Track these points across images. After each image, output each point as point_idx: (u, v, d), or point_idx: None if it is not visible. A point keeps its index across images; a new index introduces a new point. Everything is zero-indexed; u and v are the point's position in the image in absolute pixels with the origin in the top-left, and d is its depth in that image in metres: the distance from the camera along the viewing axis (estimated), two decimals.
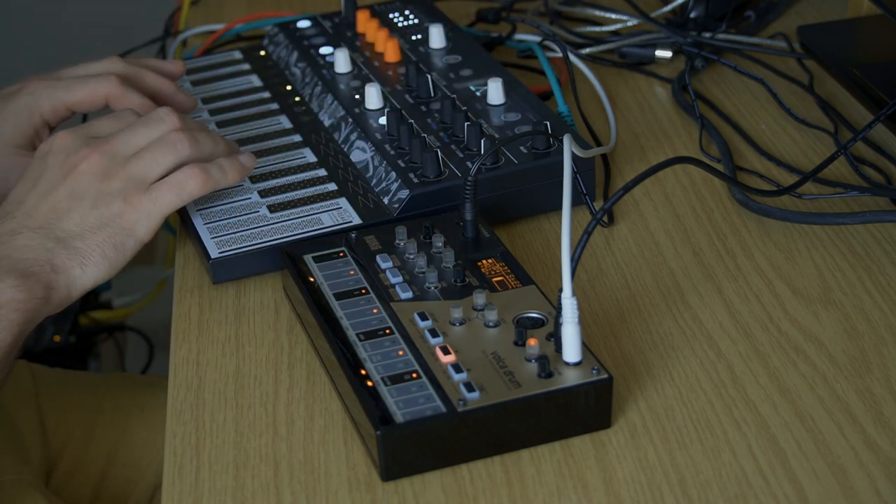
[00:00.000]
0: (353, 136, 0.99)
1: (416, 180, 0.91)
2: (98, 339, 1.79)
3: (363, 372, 0.75)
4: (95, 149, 0.86)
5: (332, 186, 0.95)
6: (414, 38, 1.14)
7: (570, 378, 0.72)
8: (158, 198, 0.86)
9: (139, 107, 0.96)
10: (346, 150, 0.99)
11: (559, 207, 0.78)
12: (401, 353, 0.76)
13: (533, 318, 0.78)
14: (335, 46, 1.13)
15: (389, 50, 1.10)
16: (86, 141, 0.87)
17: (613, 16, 1.21)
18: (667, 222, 0.94)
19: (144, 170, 0.86)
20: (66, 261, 0.83)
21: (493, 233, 0.86)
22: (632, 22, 1.20)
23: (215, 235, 0.90)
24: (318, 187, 0.95)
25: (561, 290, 0.72)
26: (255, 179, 0.97)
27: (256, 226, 0.91)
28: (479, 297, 0.79)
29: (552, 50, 1.15)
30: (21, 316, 0.80)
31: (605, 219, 0.95)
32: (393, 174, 0.93)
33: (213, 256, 0.89)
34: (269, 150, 1.00)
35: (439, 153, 0.93)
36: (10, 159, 0.96)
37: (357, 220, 0.91)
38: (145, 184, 0.86)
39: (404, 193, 0.91)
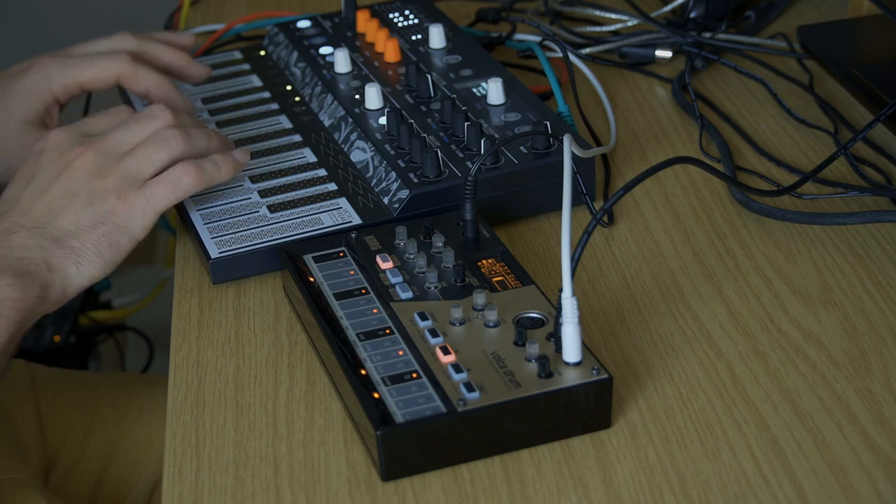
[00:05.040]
0: (353, 136, 0.99)
1: (416, 180, 0.91)
2: (98, 339, 1.79)
3: (363, 372, 0.75)
4: (89, 146, 0.86)
5: (332, 186, 0.95)
6: (414, 38, 1.14)
7: (570, 378, 0.72)
8: (152, 195, 0.86)
9: (153, 84, 0.97)
10: (346, 150, 0.99)
11: (559, 207, 0.78)
12: (401, 353, 0.76)
13: (533, 318, 0.78)
14: (335, 46, 1.13)
15: (389, 50, 1.10)
16: (79, 139, 0.87)
17: (613, 16, 1.21)
18: (667, 222, 0.94)
19: (138, 167, 0.86)
20: (61, 260, 0.83)
21: (493, 233, 0.86)
22: (632, 22, 1.20)
23: (215, 235, 0.90)
24: (318, 187, 0.95)
25: (561, 290, 0.72)
26: (255, 179, 0.97)
27: (256, 226, 0.91)
28: (479, 297, 0.79)
29: (552, 50, 1.15)
30: (17, 314, 0.80)
31: (605, 219, 0.95)
32: (393, 174, 0.93)
33: (213, 256, 0.89)
34: (269, 150, 1.01)
35: (439, 153, 0.93)
36: (22, 137, 0.96)
37: (357, 220, 0.91)
38: (139, 181, 0.86)
39: (404, 193, 0.91)
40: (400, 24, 1.17)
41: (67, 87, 0.97)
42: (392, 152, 0.95)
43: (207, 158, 0.89)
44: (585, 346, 0.74)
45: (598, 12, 1.22)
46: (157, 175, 0.87)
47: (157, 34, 1.05)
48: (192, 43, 1.06)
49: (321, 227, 0.90)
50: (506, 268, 0.83)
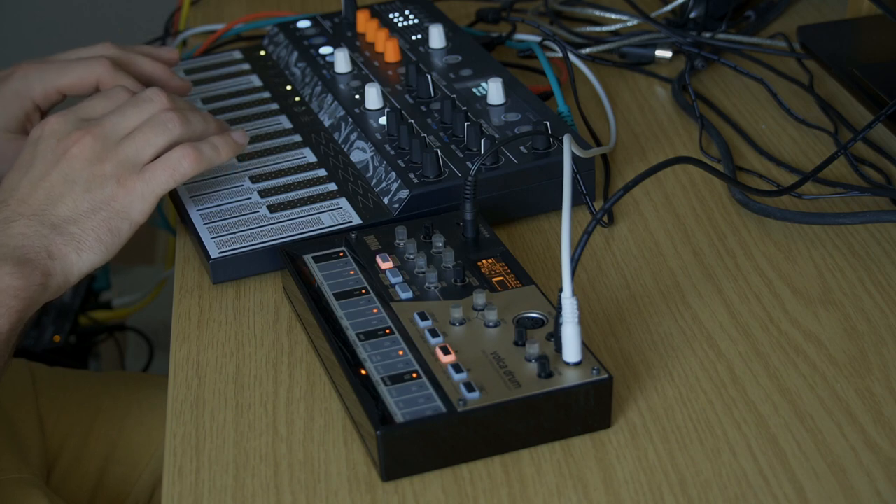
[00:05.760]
0: (353, 136, 0.99)
1: (416, 180, 0.91)
2: (98, 339, 1.79)
3: (363, 372, 0.75)
4: (87, 132, 0.86)
5: (332, 186, 0.95)
6: (414, 38, 1.14)
7: (570, 378, 0.72)
8: (152, 179, 0.85)
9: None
10: (346, 150, 0.99)
11: (559, 207, 0.78)
12: (401, 353, 0.76)
13: (533, 318, 0.78)
14: (335, 46, 1.13)
15: (389, 50, 1.10)
16: (77, 124, 0.87)
17: (613, 16, 1.21)
18: (667, 222, 0.94)
19: (136, 151, 0.86)
20: (62, 247, 0.83)
21: (493, 233, 0.86)
22: (632, 22, 1.20)
23: (215, 235, 0.90)
24: (318, 187, 0.95)
25: (561, 290, 0.72)
26: (255, 179, 0.97)
27: (256, 226, 0.91)
28: (479, 297, 0.79)
29: (552, 50, 1.15)
30: (19, 303, 0.80)
31: (605, 219, 0.95)
32: (393, 174, 0.93)
33: (213, 256, 0.89)
34: (269, 150, 1.01)
35: (439, 153, 0.93)
36: (2, 144, 0.96)
37: (357, 220, 0.91)
38: (138, 165, 0.86)
39: (404, 193, 0.91)
40: (400, 24, 1.17)
41: (48, 93, 0.97)
42: (392, 152, 0.95)
43: (205, 141, 0.88)
44: (585, 346, 0.74)
45: (598, 12, 1.22)
46: (155, 159, 0.87)
47: (139, 47, 1.04)
48: (175, 58, 1.05)
49: (321, 227, 0.90)
50: (506, 268, 0.83)
